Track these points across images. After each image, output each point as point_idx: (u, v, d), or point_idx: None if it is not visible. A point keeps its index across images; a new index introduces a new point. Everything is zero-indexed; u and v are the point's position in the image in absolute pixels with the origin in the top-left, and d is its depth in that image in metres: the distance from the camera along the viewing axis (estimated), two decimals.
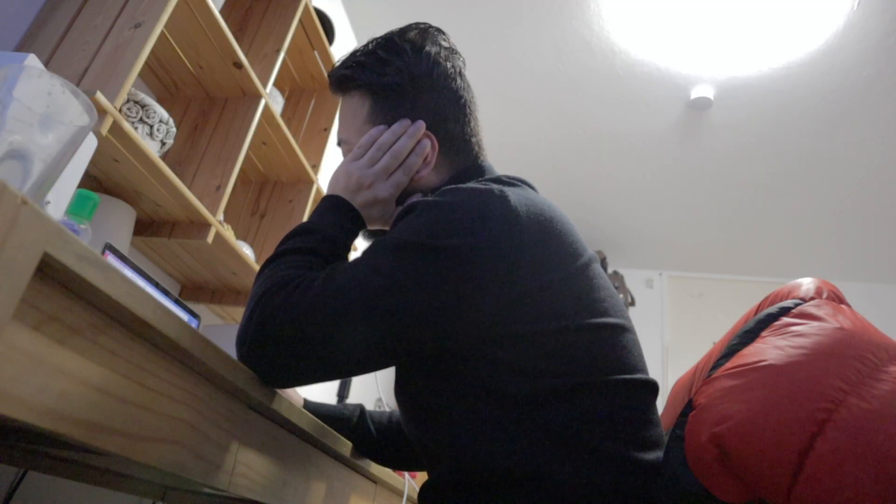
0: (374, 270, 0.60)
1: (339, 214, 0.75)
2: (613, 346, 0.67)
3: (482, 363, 0.63)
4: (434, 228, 0.62)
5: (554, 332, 0.63)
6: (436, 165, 0.80)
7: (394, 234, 0.64)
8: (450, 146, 0.81)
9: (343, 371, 0.62)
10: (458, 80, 0.83)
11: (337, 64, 0.85)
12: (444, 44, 0.84)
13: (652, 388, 0.70)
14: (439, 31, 0.85)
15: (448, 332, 0.61)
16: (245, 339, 0.60)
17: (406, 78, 0.79)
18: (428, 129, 0.79)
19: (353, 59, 0.83)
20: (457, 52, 0.86)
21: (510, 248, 0.62)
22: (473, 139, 0.84)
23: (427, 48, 0.81)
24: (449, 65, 0.83)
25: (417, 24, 0.84)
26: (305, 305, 0.59)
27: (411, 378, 0.69)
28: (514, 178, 0.74)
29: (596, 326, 0.65)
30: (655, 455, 0.65)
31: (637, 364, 0.69)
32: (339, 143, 0.85)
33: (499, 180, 0.73)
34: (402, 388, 0.72)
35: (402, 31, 0.83)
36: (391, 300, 0.59)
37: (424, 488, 0.70)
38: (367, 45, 0.83)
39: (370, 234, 0.85)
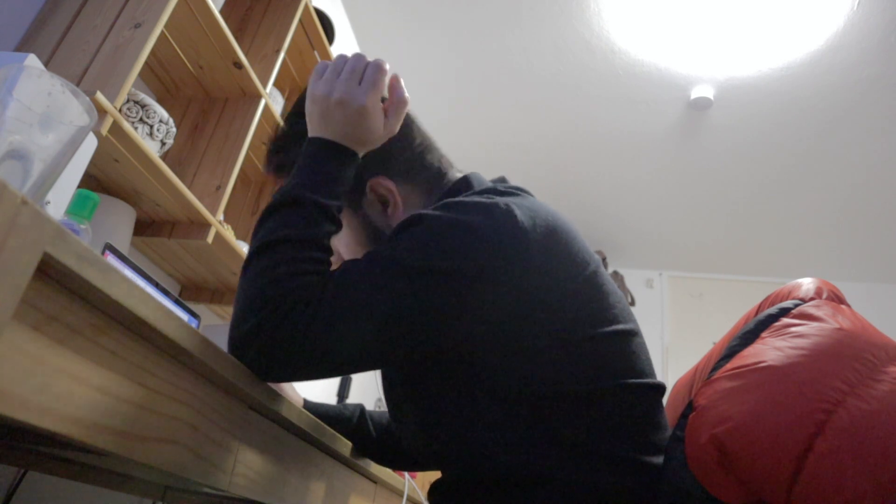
0: (383, 292, 0.58)
1: (323, 164, 0.68)
2: (623, 353, 0.67)
3: (492, 372, 0.63)
4: (442, 248, 0.60)
5: (565, 344, 0.63)
6: (405, 199, 0.77)
7: (402, 249, 0.61)
8: (408, 175, 0.78)
9: (342, 374, 0.63)
10: None
11: (266, 154, 0.81)
12: None
13: (659, 391, 0.70)
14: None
15: (459, 348, 0.62)
16: (247, 352, 0.57)
17: None
18: (379, 173, 0.76)
19: (277, 145, 0.80)
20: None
21: (519, 266, 0.61)
22: (427, 156, 0.80)
23: None
24: None
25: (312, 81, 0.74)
26: (315, 329, 0.57)
27: (419, 383, 0.69)
28: (511, 188, 0.73)
29: (606, 335, 0.65)
30: (663, 458, 0.65)
31: (645, 368, 0.69)
32: None
33: (498, 191, 0.71)
34: (405, 401, 0.71)
35: (301, 97, 0.77)
36: (402, 326, 0.59)
37: (434, 488, 0.71)
38: (284, 123, 0.81)
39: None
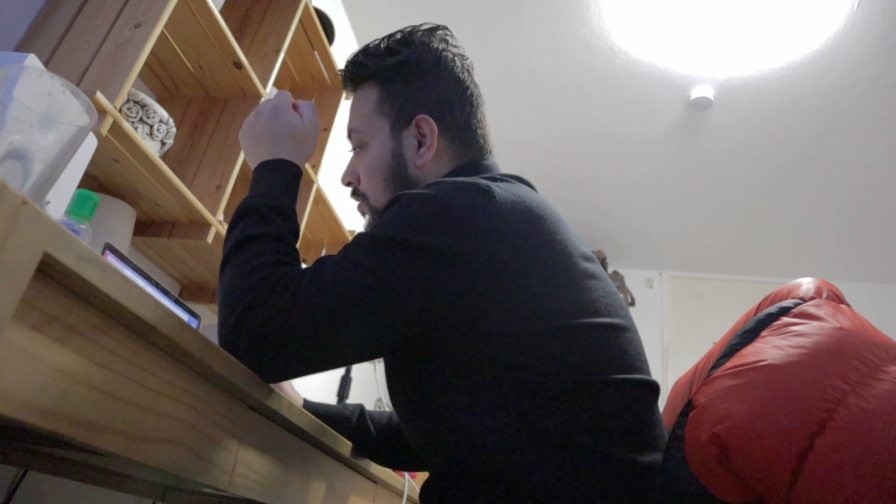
0: (359, 267, 0.61)
1: (266, 178, 0.75)
2: (609, 346, 0.66)
3: (475, 360, 0.62)
4: (416, 223, 0.62)
5: (544, 332, 0.62)
6: (438, 153, 0.80)
7: (378, 227, 0.64)
8: (455, 134, 0.81)
9: (337, 364, 0.63)
10: (465, 75, 0.85)
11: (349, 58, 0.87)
12: (452, 42, 0.86)
13: (651, 388, 0.69)
14: (448, 31, 0.87)
15: (436, 327, 0.61)
16: (238, 343, 0.59)
17: (412, 66, 0.82)
18: (432, 115, 0.80)
19: (364, 50, 0.85)
20: (465, 55, 0.87)
21: (492, 245, 0.61)
22: (480, 132, 0.84)
23: (434, 44, 0.84)
24: (457, 62, 0.85)
25: (428, 23, 0.86)
26: (298, 308, 0.58)
27: (407, 376, 0.69)
28: (507, 175, 0.74)
29: (589, 326, 0.64)
30: (654, 457, 0.64)
31: (635, 364, 0.68)
32: (349, 135, 0.85)
33: (493, 177, 0.72)
34: (397, 387, 0.71)
35: (412, 28, 0.85)
36: (378, 298, 0.59)
37: (425, 487, 0.71)
38: (377, 40, 0.85)
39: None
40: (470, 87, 0.84)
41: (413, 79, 0.81)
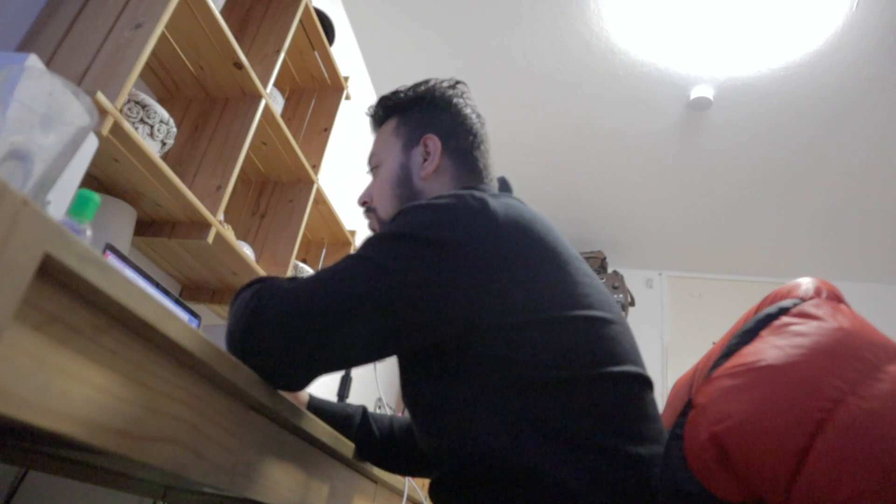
0: (363, 260, 0.64)
1: None
2: (600, 338, 0.68)
3: (473, 357, 0.65)
4: (419, 223, 0.67)
5: (536, 324, 0.65)
6: (441, 170, 0.90)
7: (382, 230, 0.69)
8: (457, 157, 0.91)
9: (345, 360, 0.64)
10: (474, 117, 0.95)
11: (378, 101, 1.00)
12: (468, 95, 0.97)
13: (644, 381, 0.71)
14: (466, 87, 0.98)
15: (438, 320, 0.64)
16: (241, 340, 0.61)
17: (428, 100, 0.94)
18: (438, 136, 0.90)
19: (391, 91, 0.98)
20: (478, 111, 0.98)
21: (488, 243, 0.66)
22: (481, 160, 0.92)
23: (450, 91, 0.95)
24: (469, 108, 0.96)
25: (451, 79, 0.98)
26: (303, 300, 0.61)
27: (413, 376, 0.72)
28: (500, 194, 0.79)
29: (580, 318, 0.68)
30: (651, 449, 0.65)
31: (627, 356, 0.70)
32: (370, 159, 0.97)
33: (487, 192, 0.77)
34: (405, 387, 0.74)
35: (435, 80, 0.97)
36: (383, 286, 0.62)
37: (434, 485, 0.71)
38: (403, 86, 0.98)
39: None
40: (476, 126, 0.94)
41: (427, 109, 0.94)
